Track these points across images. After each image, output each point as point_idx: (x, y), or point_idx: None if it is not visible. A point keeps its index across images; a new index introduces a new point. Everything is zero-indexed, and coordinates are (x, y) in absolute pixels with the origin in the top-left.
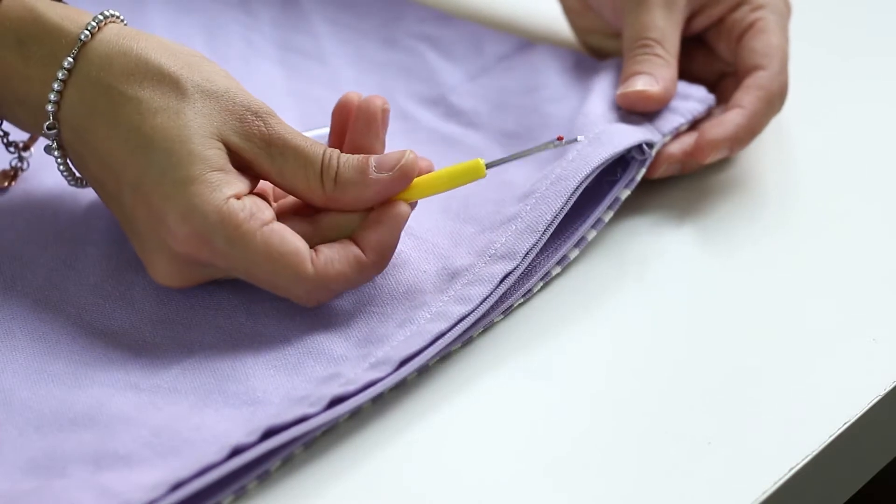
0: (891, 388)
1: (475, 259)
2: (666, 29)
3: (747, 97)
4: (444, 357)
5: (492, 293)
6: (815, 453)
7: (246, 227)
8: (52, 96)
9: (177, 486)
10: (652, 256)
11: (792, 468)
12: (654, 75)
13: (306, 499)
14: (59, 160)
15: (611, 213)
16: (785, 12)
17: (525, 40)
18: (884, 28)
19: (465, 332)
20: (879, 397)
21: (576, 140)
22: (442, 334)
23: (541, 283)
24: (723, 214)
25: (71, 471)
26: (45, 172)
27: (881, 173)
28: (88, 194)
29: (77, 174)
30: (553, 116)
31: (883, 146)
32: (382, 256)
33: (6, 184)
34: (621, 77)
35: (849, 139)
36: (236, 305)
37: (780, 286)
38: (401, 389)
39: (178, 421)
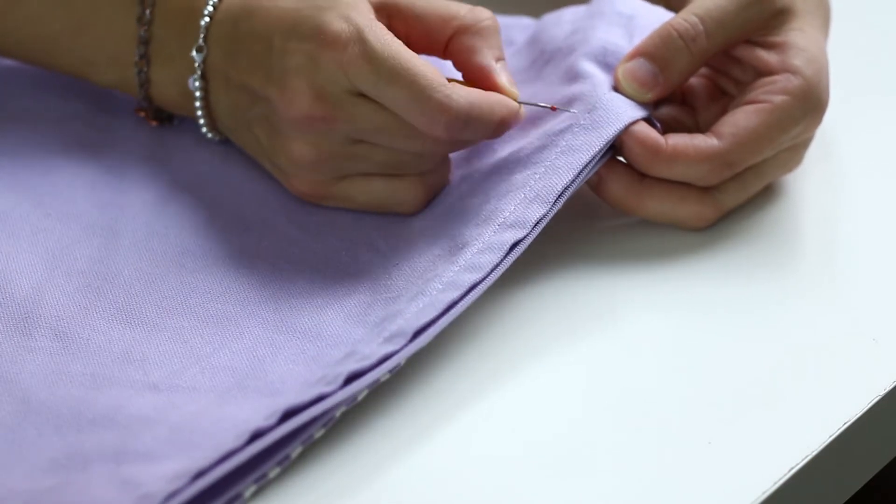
0: (891, 388)
1: (483, 228)
2: (721, 19)
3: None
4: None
5: (502, 261)
6: (815, 453)
7: (389, 37)
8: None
9: (198, 475)
10: (657, 254)
11: (792, 468)
12: (662, 71)
13: (328, 495)
14: (199, 101)
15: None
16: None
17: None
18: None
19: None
20: (879, 397)
21: (569, 111)
22: (454, 303)
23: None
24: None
25: (92, 467)
26: None
27: (877, 171)
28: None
29: (213, 123)
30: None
31: (877, 140)
32: None
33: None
34: (634, 49)
35: (842, 137)
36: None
37: (780, 285)
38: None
39: (197, 418)
